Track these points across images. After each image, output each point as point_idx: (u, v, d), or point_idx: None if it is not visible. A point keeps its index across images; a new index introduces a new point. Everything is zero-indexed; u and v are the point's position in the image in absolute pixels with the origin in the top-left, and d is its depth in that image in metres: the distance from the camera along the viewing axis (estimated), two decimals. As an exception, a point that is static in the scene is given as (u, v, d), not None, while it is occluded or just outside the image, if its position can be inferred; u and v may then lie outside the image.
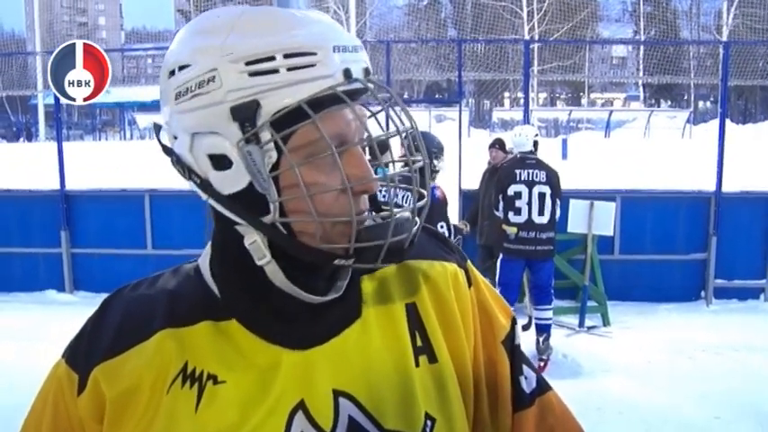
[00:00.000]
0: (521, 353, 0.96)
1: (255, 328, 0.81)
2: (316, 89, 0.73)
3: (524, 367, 0.95)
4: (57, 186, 7.35)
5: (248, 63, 0.73)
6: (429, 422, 0.82)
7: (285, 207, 0.76)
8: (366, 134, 0.77)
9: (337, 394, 0.79)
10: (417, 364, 0.84)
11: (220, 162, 0.76)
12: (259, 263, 0.79)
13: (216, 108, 0.74)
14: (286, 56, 0.73)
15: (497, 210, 5.38)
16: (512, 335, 0.96)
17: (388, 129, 0.81)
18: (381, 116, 0.83)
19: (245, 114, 0.73)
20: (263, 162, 0.75)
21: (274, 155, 0.75)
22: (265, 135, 0.74)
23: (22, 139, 38.03)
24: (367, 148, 0.81)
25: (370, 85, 0.76)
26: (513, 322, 0.97)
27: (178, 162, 0.80)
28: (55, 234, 7.33)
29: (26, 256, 7.45)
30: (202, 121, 0.76)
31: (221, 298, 0.83)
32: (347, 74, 0.75)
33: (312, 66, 0.73)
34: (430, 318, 0.87)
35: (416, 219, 0.79)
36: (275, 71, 0.73)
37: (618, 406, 4.43)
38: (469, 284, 0.93)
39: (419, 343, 0.85)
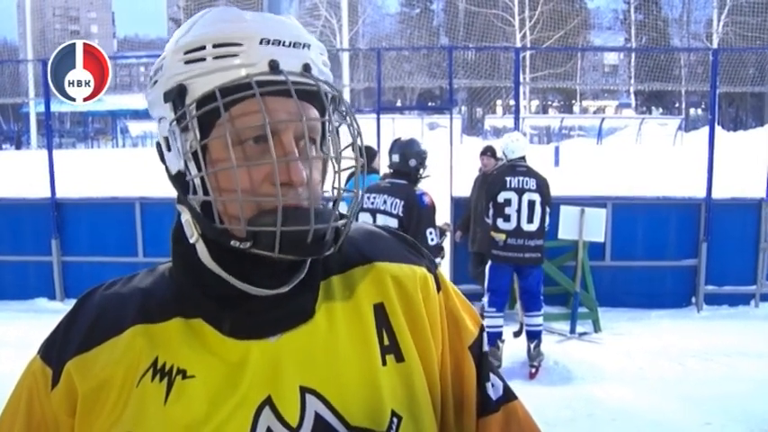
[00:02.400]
0: (488, 360, 0.98)
1: (218, 326, 0.83)
2: (234, 76, 0.77)
3: (491, 374, 0.97)
4: (48, 194, 7.33)
5: (186, 52, 0.80)
6: (395, 419, 0.84)
7: (209, 187, 0.79)
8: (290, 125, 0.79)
9: (304, 391, 0.81)
10: (384, 363, 0.86)
11: (168, 144, 0.82)
12: (191, 240, 0.84)
13: (160, 93, 0.81)
14: (215, 45, 0.79)
15: (487, 216, 5.37)
16: (479, 341, 0.97)
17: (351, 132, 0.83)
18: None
19: (172, 97, 0.80)
20: (185, 143, 0.80)
21: (194, 135, 0.79)
22: (188, 116, 0.79)
23: (11, 147, 37.87)
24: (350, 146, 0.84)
25: (293, 78, 0.78)
26: (482, 329, 0.99)
27: (158, 146, 0.86)
28: (46, 242, 7.30)
29: (17, 264, 7.41)
30: (157, 105, 0.83)
31: (184, 294, 0.85)
32: (272, 65, 0.77)
33: (235, 55, 0.78)
34: (398, 318, 0.89)
35: (336, 214, 0.80)
36: (203, 59, 0.79)
37: (609, 412, 4.43)
38: (438, 289, 0.95)
39: (386, 342, 0.87)
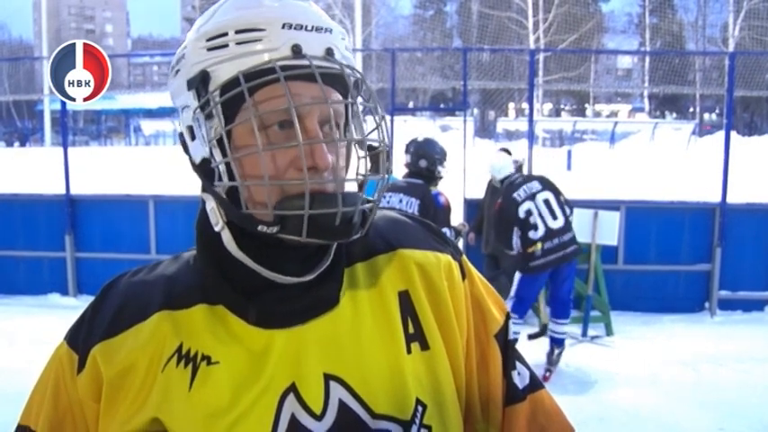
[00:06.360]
0: (514, 348, 0.98)
1: (235, 310, 0.83)
2: (257, 61, 0.77)
3: (517, 363, 0.97)
4: (62, 191, 7.38)
5: (208, 39, 0.79)
6: (420, 408, 0.83)
7: (235, 174, 0.79)
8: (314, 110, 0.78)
9: (328, 378, 0.81)
10: (409, 351, 0.85)
11: (192, 133, 0.82)
12: (216, 228, 0.83)
13: (183, 81, 0.81)
14: (237, 31, 0.78)
15: (511, 247, 5.22)
16: (505, 329, 0.97)
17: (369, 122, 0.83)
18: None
19: (196, 84, 0.79)
20: (209, 130, 0.79)
21: (219, 122, 0.78)
22: (212, 103, 0.78)
23: (16, 144, 38.22)
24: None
25: (316, 62, 0.77)
26: (507, 317, 0.98)
27: (180, 137, 0.86)
28: (60, 238, 7.34)
29: (31, 259, 7.46)
30: (180, 94, 0.82)
31: (207, 282, 0.85)
32: (295, 49, 0.77)
33: (258, 41, 0.78)
34: (423, 306, 0.88)
35: (363, 197, 0.79)
36: (226, 45, 0.78)
37: (621, 416, 4.41)
38: (463, 277, 0.94)
39: (411, 330, 0.87)
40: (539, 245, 5.08)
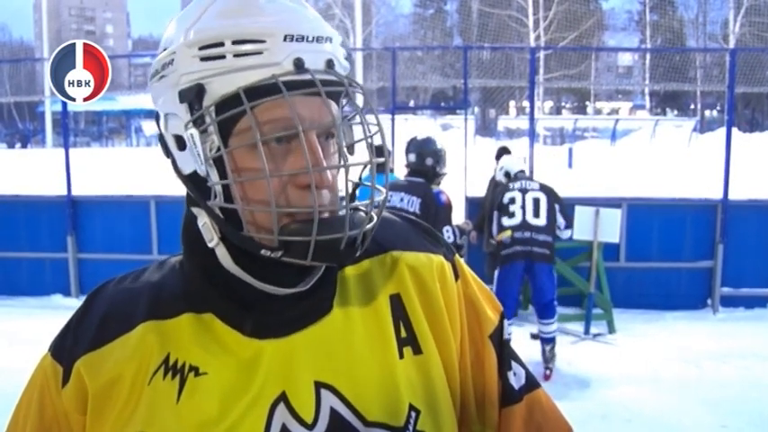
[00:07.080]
0: (509, 348, 0.95)
1: (229, 321, 0.80)
2: (258, 76, 0.73)
3: (513, 363, 0.94)
4: (63, 192, 7.39)
5: (201, 48, 0.74)
6: (413, 414, 0.81)
7: (232, 193, 0.76)
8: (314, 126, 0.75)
9: (319, 386, 0.79)
10: (401, 356, 0.83)
11: (180, 143, 0.78)
12: (210, 244, 0.80)
13: (172, 90, 0.76)
14: (234, 42, 0.73)
15: (491, 225, 5.35)
16: (500, 329, 0.94)
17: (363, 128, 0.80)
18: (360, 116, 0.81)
19: (189, 98, 0.74)
20: (203, 146, 0.75)
21: (216, 139, 0.75)
22: (209, 119, 0.74)
23: (18, 146, 38.30)
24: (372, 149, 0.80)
25: (318, 77, 0.74)
26: (502, 317, 0.96)
27: (160, 139, 0.82)
28: (61, 239, 7.35)
29: (33, 260, 7.47)
30: (165, 101, 0.78)
31: (195, 291, 0.83)
32: (297, 63, 0.73)
33: (259, 53, 0.73)
34: (415, 309, 0.86)
35: (368, 216, 0.77)
36: (222, 57, 0.73)
37: (623, 414, 4.40)
38: (456, 277, 0.92)
39: (403, 334, 0.85)
40: (509, 232, 5.11)
